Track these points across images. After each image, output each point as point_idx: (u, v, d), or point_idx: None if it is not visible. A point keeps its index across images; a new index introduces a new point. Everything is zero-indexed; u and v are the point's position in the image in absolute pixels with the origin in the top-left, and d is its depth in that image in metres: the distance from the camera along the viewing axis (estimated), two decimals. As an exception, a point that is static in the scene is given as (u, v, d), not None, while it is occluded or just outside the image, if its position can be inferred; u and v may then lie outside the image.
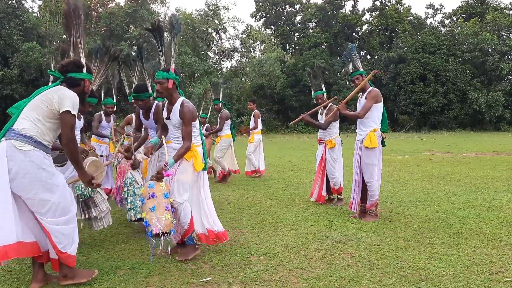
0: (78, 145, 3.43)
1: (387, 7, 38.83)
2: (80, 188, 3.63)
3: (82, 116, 4.76)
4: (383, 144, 4.76)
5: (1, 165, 2.55)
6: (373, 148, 4.61)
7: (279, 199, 6.08)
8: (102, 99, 6.14)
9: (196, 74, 30.57)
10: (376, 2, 39.80)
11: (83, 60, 2.95)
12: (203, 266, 3.27)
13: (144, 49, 4.46)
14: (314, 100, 5.75)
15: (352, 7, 40.58)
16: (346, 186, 5.91)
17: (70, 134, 2.69)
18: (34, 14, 27.63)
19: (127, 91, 5.26)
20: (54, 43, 27.09)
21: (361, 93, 4.79)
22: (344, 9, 40.52)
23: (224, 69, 36.68)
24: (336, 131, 5.66)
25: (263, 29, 40.85)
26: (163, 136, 3.65)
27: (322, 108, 5.69)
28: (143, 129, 4.59)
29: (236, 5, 64.44)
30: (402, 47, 34.11)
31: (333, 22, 38.73)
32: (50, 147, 2.78)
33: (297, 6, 41.05)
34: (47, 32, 27.14)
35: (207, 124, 8.43)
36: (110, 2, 32.70)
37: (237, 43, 36.86)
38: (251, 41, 36.74)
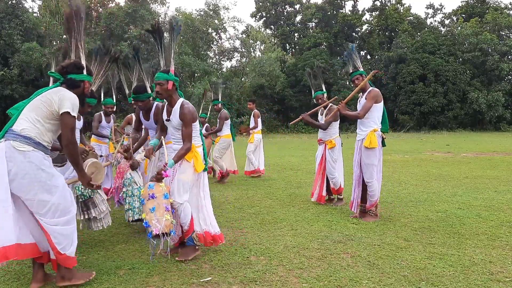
0: (78, 145, 3.42)
1: (387, 7, 38.84)
2: (80, 188, 3.63)
3: (81, 116, 4.76)
4: (383, 144, 4.76)
5: (1, 166, 2.55)
6: (373, 148, 4.61)
7: (279, 199, 6.08)
8: (102, 99, 6.13)
9: (196, 74, 30.57)
10: (376, 2, 39.83)
11: (83, 62, 2.95)
12: (203, 266, 3.27)
13: (140, 50, 4.45)
14: (314, 100, 5.75)
15: (352, 7, 40.62)
16: (347, 186, 5.91)
17: (70, 136, 2.69)
18: (34, 14, 27.64)
19: (127, 91, 5.26)
20: (54, 43, 27.11)
21: (361, 93, 4.79)
22: (344, 9, 40.54)
23: (224, 69, 36.70)
24: (336, 131, 5.66)
25: (263, 29, 40.88)
26: (162, 137, 3.65)
27: (322, 108, 5.69)
28: (143, 130, 4.59)
29: (236, 5, 64.55)
30: (402, 47, 34.12)
31: (333, 22, 38.74)
32: (50, 148, 2.78)
33: (297, 6, 41.06)
34: (47, 32, 27.14)
35: (206, 124, 8.43)
36: (110, 2, 32.71)
37: (237, 43, 36.93)
38: (251, 41, 36.74)
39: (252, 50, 37.19)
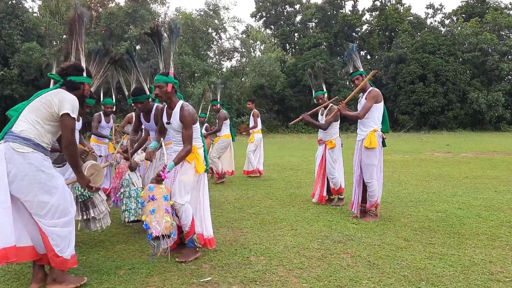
0: (77, 147, 3.42)
1: (387, 7, 38.84)
2: (79, 188, 3.63)
3: (80, 117, 4.76)
4: (383, 144, 4.76)
5: (0, 168, 2.55)
6: (373, 149, 4.61)
7: (279, 199, 6.08)
8: (102, 100, 6.13)
9: (196, 74, 30.57)
10: (376, 2, 39.84)
11: (83, 64, 2.96)
12: (203, 266, 3.27)
13: (134, 53, 4.44)
14: (314, 100, 5.75)
15: (352, 7, 40.64)
16: (347, 186, 5.91)
17: (70, 137, 2.69)
18: (34, 14, 27.64)
19: (126, 92, 5.26)
20: (54, 43, 27.11)
21: (361, 93, 4.79)
22: (344, 9, 40.54)
23: (224, 69, 36.70)
24: (336, 132, 5.66)
25: (263, 29, 40.88)
26: (162, 138, 3.65)
27: (323, 108, 5.69)
28: (142, 131, 4.58)
29: (236, 5, 64.56)
30: (402, 47, 34.13)
31: (333, 22, 38.74)
32: (49, 149, 2.78)
33: (297, 6, 41.06)
34: (47, 32, 27.15)
35: (206, 124, 8.44)
36: (110, 2, 32.72)
37: (237, 43, 36.93)
38: (251, 41, 36.73)
39: (252, 50, 37.20)
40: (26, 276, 3.08)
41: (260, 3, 40.40)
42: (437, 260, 3.33)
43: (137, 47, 28.23)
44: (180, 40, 27.77)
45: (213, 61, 35.56)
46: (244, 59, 36.65)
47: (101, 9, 32.20)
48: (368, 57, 39.05)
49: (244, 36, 36.84)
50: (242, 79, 34.87)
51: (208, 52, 34.65)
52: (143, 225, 3.23)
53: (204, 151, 3.58)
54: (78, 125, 4.80)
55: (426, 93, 31.95)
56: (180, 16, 32.92)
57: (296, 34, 41.21)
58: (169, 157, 3.51)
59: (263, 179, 8.18)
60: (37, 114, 2.68)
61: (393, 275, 3.04)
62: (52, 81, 3.51)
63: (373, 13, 40.19)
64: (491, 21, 34.65)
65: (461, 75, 32.10)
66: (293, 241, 3.92)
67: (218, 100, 7.95)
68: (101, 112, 6.24)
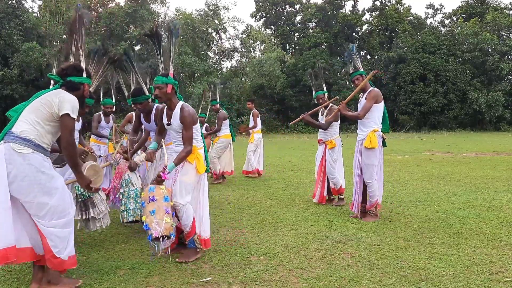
0: (77, 147, 3.42)
1: (387, 7, 38.83)
2: (79, 188, 3.62)
3: (80, 118, 4.75)
4: (384, 144, 4.75)
5: (0, 168, 2.54)
6: (373, 149, 4.61)
7: (279, 199, 6.08)
8: (101, 100, 6.13)
9: (196, 74, 30.57)
10: (376, 2, 39.83)
11: (83, 64, 2.96)
12: (203, 266, 3.27)
13: (132, 54, 4.42)
14: (315, 100, 5.75)
15: (352, 7, 40.62)
16: (347, 186, 5.91)
17: (69, 138, 2.69)
18: (34, 14, 27.63)
19: (126, 93, 5.25)
20: (54, 43, 27.11)
21: (361, 93, 4.79)
22: (344, 9, 40.54)
23: (224, 69, 36.70)
24: (336, 132, 5.66)
25: (263, 29, 40.87)
26: (162, 139, 3.65)
27: (323, 108, 5.69)
28: (142, 131, 4.57)
29: (236, 5, 64.53)
30: (402, 47, 34.12)
31: (333, 22, 38.74)
32: (49, 149, 2.77)
33: (297, 6, 41.05)
34: (47, 32, 27.15)
35: (206, 124, 8.45)
36: (110, 2, 32.72)
37: (237, 43, 36.92)
38: (251, 41, 36.73)
39: (252, 50, 37.19)
40: (26, 276, 3.08)
41: (260, 3, 40.39)
42: (437, 260, 3.33)
43: (137, 47, 28.29)
44: (180, 40, 27.79)
45: (213, 61, 35.56)
46: (244, 59, 36.66)
47: (101, 9, 32.20)
48: (368, 57, 39.04)
49: (244, 36, 36.84)
50: (242, 79, 34.87)
51: (208, 52, 34.65)
52: (143, 226, 3.22)
53: (204, 151, 3.58)
54: (78, 125, 4.80)
55: (426, 93, 31.94)
56: (180, 16, 32.92)
57: (296, 34, 41.21)
58: (170, 158, 3.51)
59: (263, 179, 8.18)
60: (37, 115, 2.67)
61: (393, 275, 3.04)
62: (52, 81, 3.51)
63: (373, 13, 40.19)
64: (491, 21, 34.65)
65: (461, 75, 32.10)
66: (293, 241, 3.92)
67: (218, 100, 7.95)
68: (100, 112, 6.24)
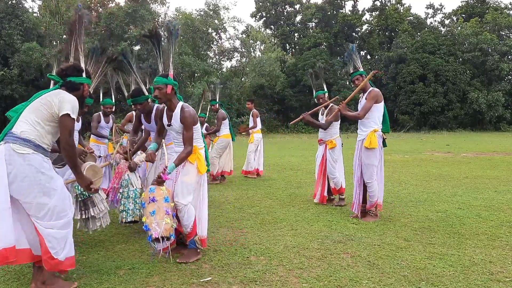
0: (76, 147, 3.42)
1: (387, 7, 38.83)
2: (79, 187, 3.62)
3: (80, 118, 4.75)
4: (384, 144, 4.75)
5: (0, 169, 2.54)
6: (373, 149, 4.60)
7: (279, 199, 6.08)
8: (101, 100, 6.12)
9: (196, 74, 30.57)
10: (376, 2, 39.83)
11: (82, 65, 2.96)
12: (203, 266, 3.27)
13: (131, 55, 4.42)
14: (315, 99, 5.75)
15: (352, 7, 40.62)
16: (348, 186, 5.91)
17: (68, 138, 2.69)
18: (34, 14, 27.64)
19: (126, 93, 5.25)
20: (54, 43, 27.11)
21: (362, 93, 4.79)
22: (344, 9, 40.54)
23: (224, 69, 36.71)
24: (336, 131, 5.66)
25: (263, 29, 40.88)
26: (163, 140, 3.64)
27: (323, 108, 5.69)
28: (142, 132, 4.57)
29: (236, 5, 64.57)
30: (402, 47, 34.12)
31: (333, 22, 38.74)
32: (49, 150, 2.77)
33: (297, 6, 41.06)
34: (47, 32, 27.15)
35: (206, 124, 8.46)
36: (110, 2, 32.72)
37: (237, 43, 36.93)
38: (251, 41, 36.74)
39: (252, 50, 37.21)
40: (26, 276, 3.08)
41: (260, 3, 40.39)
42: (437, 260, 3.33)
43: (137, 47, 28.28)
44: (180, 40, 27.79)
45: (213, 61, 35.56)
46: (244, 59, 36.67)
47: (101, 9, 32.20)
48: (368, 57, 39.04)
49: (244, 36, 36.85)
50: (242, 79, 34.88)
51: (208, 52, 34.65)
52: (143, 227, 3.22)
53: (205, 151, 3.58)
54: (78, 125, 4.80)
55: (426, 93, 31.94)
56: (180, 16, 32.93)
57: (296, 34, 41.21)
58: (170, 158, 3.50)
59: (263, 179, 8.18)
60: (37, 115, 2.67)
61: (393, 275, 3.04)
62: (52, 81, 3.51)
63: (373, 13, 40.19)
64: (491, 21, 34.65)
65: (461, 75, 32.10)
66: (293, 241, 3.92)
67: (217, 100, 7.96)
68: (100, 113, 6.23)
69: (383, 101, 4.72)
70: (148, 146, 3.86)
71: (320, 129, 5.71)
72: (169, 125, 3.47)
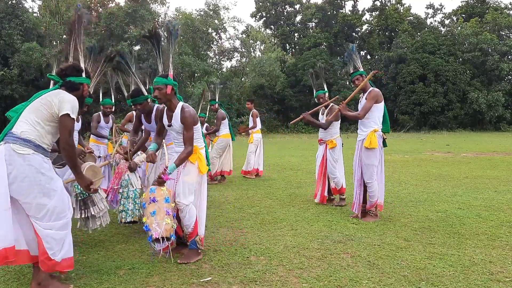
0: (76, 148, 3.42)
1: (387, 7, 38.83)
2: (78, 187, 3.62)
3: (80, 118, 4.74)
4: (384, 144, 4.75)
5: (0, 169, 2.54)
6: (373, 149, 4.60)
7: (279, 199, 6.08)
8: (101, 100, 6.12)
9: (196, 74, 30.58)
10: (376, 2, 39.83)
11: (82, 64, 2.95)
12: (203, 266, 3.27)
13: (130, 55, 4.41)
14: (315, 99, 5.75)
15: (352, 7, 40.62)
16: (348, 186, 5.91)
17: (68, 138, 2.69)
18: (34, 14, 27.65)
19: (126, 93, 5.24)
20: (54, 43, 27.12)
21: (362, 93, 4.78)
22: (344, 9, 40.53)
23: (224, 69, 36.71)
24: (337, 131, 5.66)
25: (263, 29, 40.89)
26: (163, 140, 3.64)
27: (324, 107, 5.69)
28: (142, 132, 4.57)
29: (236, 5, 64.62)
30: (402, 47, 34.12)
31: (333, 22, 38.73)
32: (50, 150, 2.77)
33: (297, 6, 41.06)
34: (47, 32, 27.16)
35: (206, 124, 8.46)
36: (110, 2, 32.73)
37: (237, 43, 36.94)
38: (251, 41, 36.75)
39: (252, 50, 37.22)
40: (26, 276, 3.08)
41: (260, 3, 40.39)
42: (437, 260, 3.33)
43: (137, 47, 28.28)
44: (180, 40, 27.80)
45: (213, 61, 35.58)
46: (244, 59, 36.67)
47: (101, 9, 32.20)
48: (368, 57, 39.04)
49: (244, 36, 36.86)
50: (242, 79, 34.88)
51: (208, 52, 34.66)
52: (144, 227, 3.22)
53: (205, 151, 3.59)
54: (78, 125, 4.80)
55: (426, 93, 31.94)
56: (180, 16, 32.94)
57: (296, 34, 41.21)
58: (170, 158, 3.50)
59: (263, 179, 8.18)
60: (38, 115, 2.67)
61: (393, 275, 3.04)
62: (51, 81, 3.51)
63: (373, 13, 40.18)
64: (491, 21, 34.64)
65: (461, 75, 32.10)
66: (293, 241, 3.92)
67: (216, 100, 7.96)
68: (100, 113, 6.23)
69: (383, 101, 4.71)
70: (148, 147, 3.86)
71: (320, 129, 5.71)
72: (169, 126, 3.47)
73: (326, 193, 5.66)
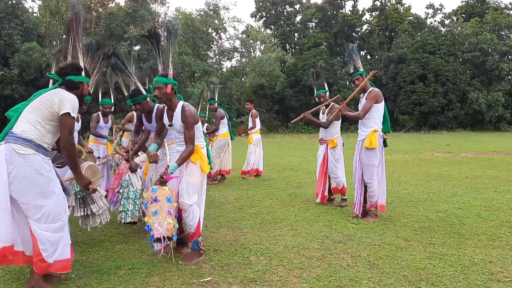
0: (76, 147, 3.42)
1: (387, 7, 38.81)
2: (78, 185, 3.61)
3: (80, 118, 4.74)
4: (385, 144, 4.75)
5: (0, 169, 2.54)
6: (373, 149, 4.60)
7: (279, 199, 6.08)
8: (100, 100, 6.12)
9: (196, 74, 30.58)
10: (376, 2, 39.81)
11: (81, 63, 2.95)
12: (203, 266, 3.27)
13: (129, 55, 4.41)
14: (316, 98, 5.75)
15: (352, 7, 40.58)
16: (348, 186, 5.90)
17: (68, 137, 2.69)
18: (34, 14, 27.65)
19: (126, 93, 5.24)
20: (54, 43, 27.13)
21: (362, 93, 4.78)
22: (344, 9, 40.52)
23: (224, 69, 36.71)
24: (337, 131, 5.65)
25: (263, 29, 40.87)
26: (165, 140, 3.64)
27: (324, 107, 5.69)
28: (143, 132, 4.56)
29: (236, 5, 64.54)
30: (402, 47, 34.10)
31: (333, 22, 38.72)
32: (50, 149, 2.77)
33: (297, 6, 41.04)
34: (47, 32, 27.15)
35: (206, 124, 8.46)
36: (110, 2, 32.71)
37: (237, 43, 36.94)
38: (251, 41, 36.74)
39: (252, 50, 37.20)
40: (26, 276, 3.07)
41: (260, 3, 40.38)
42: (437, 260, 3.33)
43: (137, 47, 28.29)
44: (180, 40, 27.80)
45: (213, 61, 35.58)
46: (244, 59, 36.67)
47: (101, 9, 32.20)
48: (368, 57, 39.02)
49: (244, 36, 36.85)
50: (242, 79, 34.87)
51: (208, 52, 34.67)
52: (145, 227, 3.22)
53: (207, 150, 3.58)
54: (78, 125, 4.80)
55: (426, 93, 31.93)
56: (180, 16, 32.94)
57: (296, 34, 41.20)
58: (172, 158, 3.50)
59: (263, 179, 8.18)
60: (38, 114, 2.67)
61: (393, 275, 3.04)
62: (51, 80, 3.51)
63: (373, 13, 40.16)
64: (491, 21, 34.62)
65: (461, 75, 32.08)
66: (293, 241, 3.92)
67: (215, 100, 7.97)
68: (99, 113, 6.22)
69: (383, 101, 4.71)
70: (148, 147, 3.86)
71: (321, 129, 5.70)
72: (170, 125, 3.47)
73: (326, 193, 5.66)
